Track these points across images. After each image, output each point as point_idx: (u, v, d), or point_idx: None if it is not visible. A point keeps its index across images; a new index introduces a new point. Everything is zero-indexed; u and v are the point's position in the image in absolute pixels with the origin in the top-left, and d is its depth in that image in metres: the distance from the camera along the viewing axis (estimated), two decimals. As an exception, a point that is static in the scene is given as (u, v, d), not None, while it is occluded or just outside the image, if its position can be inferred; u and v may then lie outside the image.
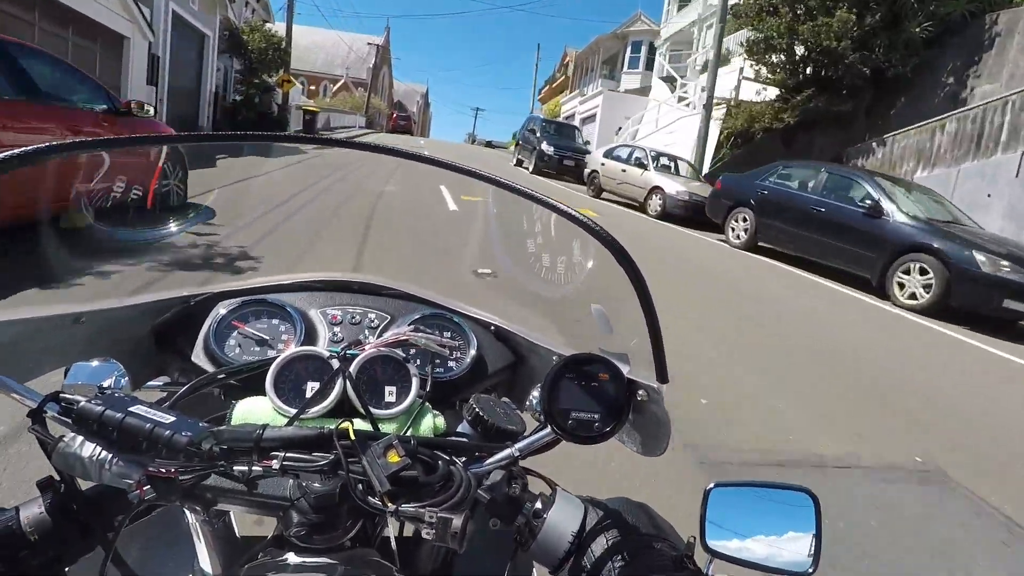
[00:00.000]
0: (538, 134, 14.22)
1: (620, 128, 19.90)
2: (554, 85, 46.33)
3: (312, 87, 56.22)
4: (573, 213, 0.60)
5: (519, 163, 14.80)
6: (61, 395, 0.54)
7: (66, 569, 0.54)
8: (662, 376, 0.63)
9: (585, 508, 0.58)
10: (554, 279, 0.78)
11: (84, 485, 0.54)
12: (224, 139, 0.73)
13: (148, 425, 0.51)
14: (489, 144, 59.49)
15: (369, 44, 42.74)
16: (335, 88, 52.71)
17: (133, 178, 0.98)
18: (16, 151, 0.52)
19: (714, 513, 0.58)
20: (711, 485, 0.58)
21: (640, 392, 0.63)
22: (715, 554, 0.56)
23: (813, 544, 0.58)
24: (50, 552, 0.53)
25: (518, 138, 14.92)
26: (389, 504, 0.50)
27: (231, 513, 0.64)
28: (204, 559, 0.66)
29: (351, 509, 0.52)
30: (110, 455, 0.52)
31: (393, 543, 0.60)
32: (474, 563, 0.70)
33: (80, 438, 0.52)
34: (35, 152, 0.53)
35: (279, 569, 0.55)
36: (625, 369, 0.64)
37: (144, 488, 0.50)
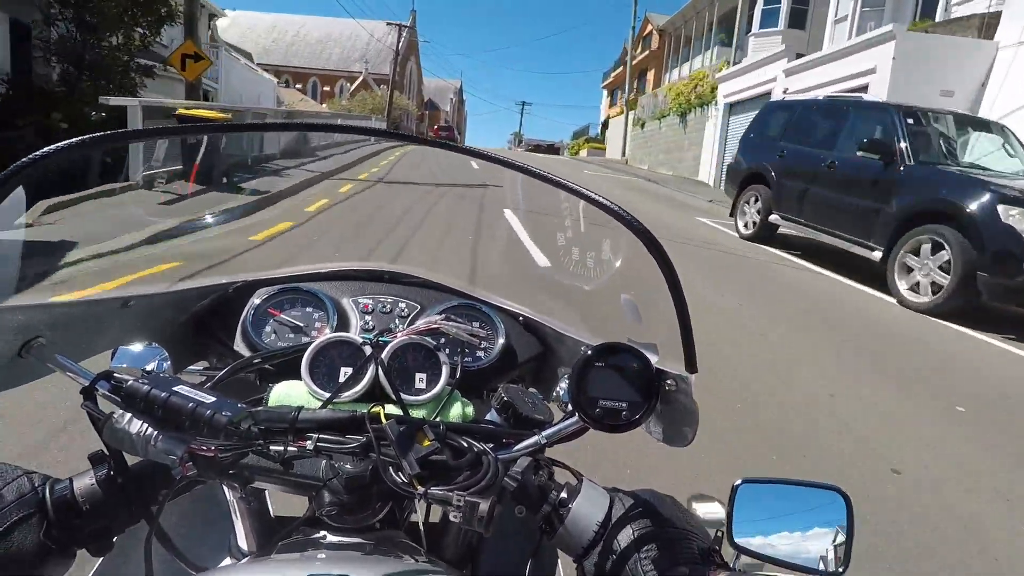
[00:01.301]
0: (900, 145, 5.87)
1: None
2: (622, 71, 42.81)
3: (326, 87, 54.17)
4: (603, 201, 0.62)
5: (760, 222, 8.37)
6: (110, 374, 0.60)
7: (114, 538, 0.60)
8: (691, 366, 0.65)
9: (611, 499, 0.61)
10: (584, 272, 0.81)
11: (131, 460, 0.60)
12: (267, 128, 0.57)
13: (191, 404, 0.56)
14: (551, 148, 56.68)
15: (389, 24, 36.07)
16: (353, 87, 50.08)
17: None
18: (50, 148, 0.58)
19: (742, 509, 0.61)
20: (739, 481, 0.61)
21: (668, 381, 0.66)
22: (742, 550, 0.59)
23: (844, 544, 0.60)
24: (100, 522, 0.59)
25: (743, 163, 8.79)
26: (418, 487, 0.55)
27: (266, 493, 0.69)
28: (241, 535, 0.72)
29: (381, 491, 0.57)
30: (156, 432, 0.57)
31: (421, 527, 0.64)
32: (499, 549, 0.74)
33: (128, 415, 0.58)
34: (64, 147, 0.59)
35: (311, 547, 0.60)
36: (654, 358, 0.67)
37: (187, 464, 0.56)
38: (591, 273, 0.82)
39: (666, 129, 19.78)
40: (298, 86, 51.04)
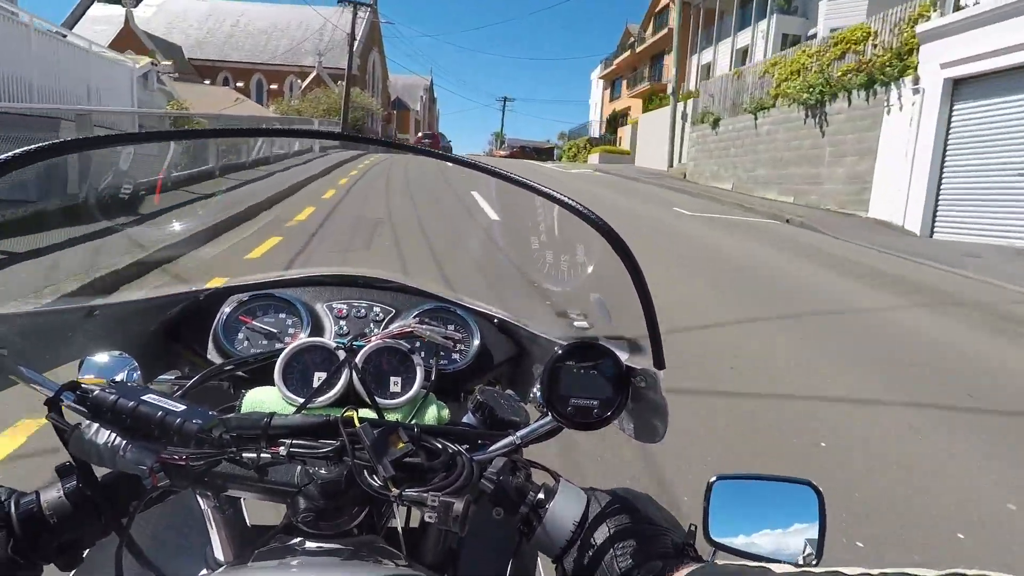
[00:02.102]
0: None
1: None
2: (629, 56, 38.53)
3: (273, 85, 48.95)
4: (570, 202, 0.66)
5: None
6: (76, 384, 0.62)
7: (84, 552, 0.61)
8: (659, 362, 0.68)
9: (588, 498, 0.64)
10: (558, 275, 0.84)
11: (101, 472, 0.61)
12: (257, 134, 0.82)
13: (160, 413, 0.58)
14: (540, 152, 52.41)
15: (341, 1, 27.04)
16: (304, 84, 45.13)
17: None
18: (21, 150, 0.58)
19: (717, 505, 0.63)
20: (713, 478, 0.63)
21: (638, 378, 0.69)
22: (718, 546, 0.61)
23: (817, 537, 0.63)
24: (69, 535, 0.60)
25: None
26: (393, 489, 0.57)
27: (242, 502, 0.72)
28: (217, 545, 0.73)
29: (357, 496, 0.59)
30: (124, 442, 0.58)
31: (400, 531, 0.67)
32: (479, 553, 0.77)
33: (95, 426, 0.59)
34: (40, 150, 0.59)
35: (289, 554, 0.61)
36: (623, 356, 0.70)
37: (157, 474, 0.57)
38: (565, 276, 0.82)
39: (772, 128, 14.52)
40: (239, 84, 46.09)
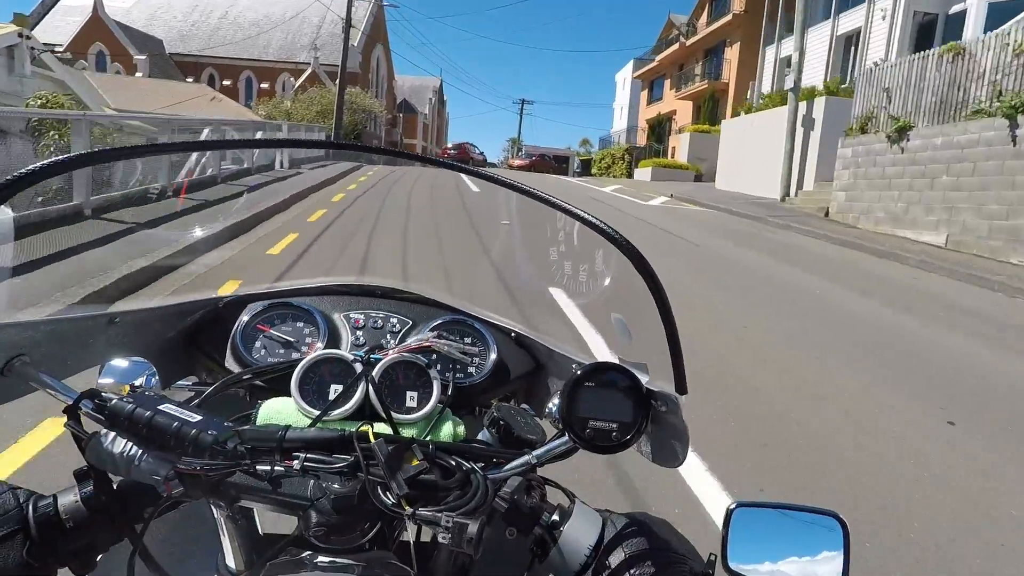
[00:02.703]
0: None
1: None
2: (677, 50, 33.12)
3: (264, 83, 44.90)
4: (595, 221, 0.68)
5: None
6: (95, 392, 0.65)
7: (98, 557, 0.64)
8: (681, 387, 0.69)
9: (603, 521, 0.66)
10: (576, 288, 0.86)
11: (116, 479, 0.64)
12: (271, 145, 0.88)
13: (176, 423, 0.61)
14: (557, 162, 47.39)
15: None
16: (299, 82, 41.04)
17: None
18: (52, 160, 0.61)
19: (737, 533, 0.63)
20: (733, 505, 0.63)
21: (658, 402, 0.70)
22: (737, 575, 0.61)
23: (841, 568, 0.62)
24: (83, 540, 0.62)
25: None
26: (406, 507, 0.59)
27: (255, 511, 0.75)
28: (228, 554, 0.75)
29: (370, 511, 0.62)
30: (140, 451, 0.61)
31: (412, 547, 0.68)
32: (491, 572, 0.77)
33: (112, 434, 0.62)
34: (69, 161, 0.62)
35: (300, 567, 0.64)
36: (644, 379, 0.72)
37: (171, 484, 0.60)
38: (583, 288, 0.84)
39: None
40: (226, 82, 42.47)
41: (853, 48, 17.99)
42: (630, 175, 28.86)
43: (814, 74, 19.29)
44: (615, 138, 57.13)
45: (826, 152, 13.87)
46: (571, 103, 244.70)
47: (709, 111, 26.29)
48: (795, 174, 14.98)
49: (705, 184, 21.52)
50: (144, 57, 35.78)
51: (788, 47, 20.83)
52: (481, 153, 42.40)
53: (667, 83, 33.60)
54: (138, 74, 33.07)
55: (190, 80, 35.36)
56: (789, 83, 15.84)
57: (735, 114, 25.26)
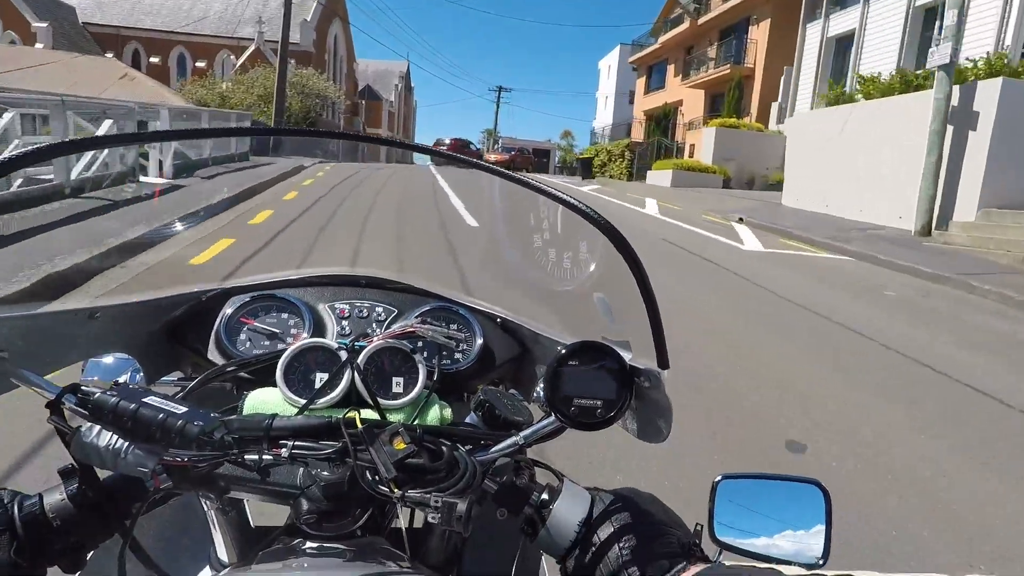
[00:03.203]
0: None
1: None
2: (687, 30, 28.13)
3: (200, 61, 38.43)
4: (574, 202, 0.70)
5: None
6: (77, 387, 0.67)
7: (88, 554, 0.66)
8: (663, 362, 0.72)
9: (592, 498, 0.69)
10: (561, 273, 0.88)
11: (103, 474, 0.66)
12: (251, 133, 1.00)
13: (161, 415, 0.62)
14: (536, 156, 43.90)
15: None
16: (240, 60, 35.29)
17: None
18: (28, 149, 0.62)
19: (722, 505, 0.66)
20: (718, 478, 0.66)
21: (642, 378, 0.74)
22: (724, 546, 0.64)
23: (824, 536, 0.65)
24: (72, 538, 0.64)
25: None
26: (395, 490, 0.62)
27: (245, 503, 0.79)
28: (220, 547, 0.77)
29: (360, 497, 0.65)
30: (126, 444, 0.63)
31: (404, 532, 0.71)
32: (483, 554, 0.80)
33: (97, 428, 0.64)
34: (45, 150, 0.64)
35: (292, 556, 0.65)
36: (627, 356, 0.75)
37: (159, 477, 0.62)
38: (568, 274, 0.87)
39: None
40: (153, 59, 37.68)
41: (932, 20, 14.53)
42: (632, 177, 26.41)
43: (883, 57, 14.56)
44: (600, 132, 52.09)
45: (1001, 163, 9.79)
46: (550, 92, 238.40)
47: (734, 101, 21.81)
48: (939, 194, 10.45)
49: (754, 197, 17.64)
50: (45, 25, 29.58)
51: (841, 23, 16.31)
52: (478, 149, 37.09)
53: (670, 69, 29.69)
54: (38, 45, 26.89)
55: (109, 55, 31.90)
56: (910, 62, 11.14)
57: (763, 106, 20.84)
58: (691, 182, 20.31)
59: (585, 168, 28.71)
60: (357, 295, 1.00)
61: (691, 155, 24.58)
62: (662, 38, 30.89)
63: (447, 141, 40.51)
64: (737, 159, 20.65)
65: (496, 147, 43.90)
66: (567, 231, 0.80)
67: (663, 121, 28.59)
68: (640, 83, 36.10)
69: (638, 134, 32.86)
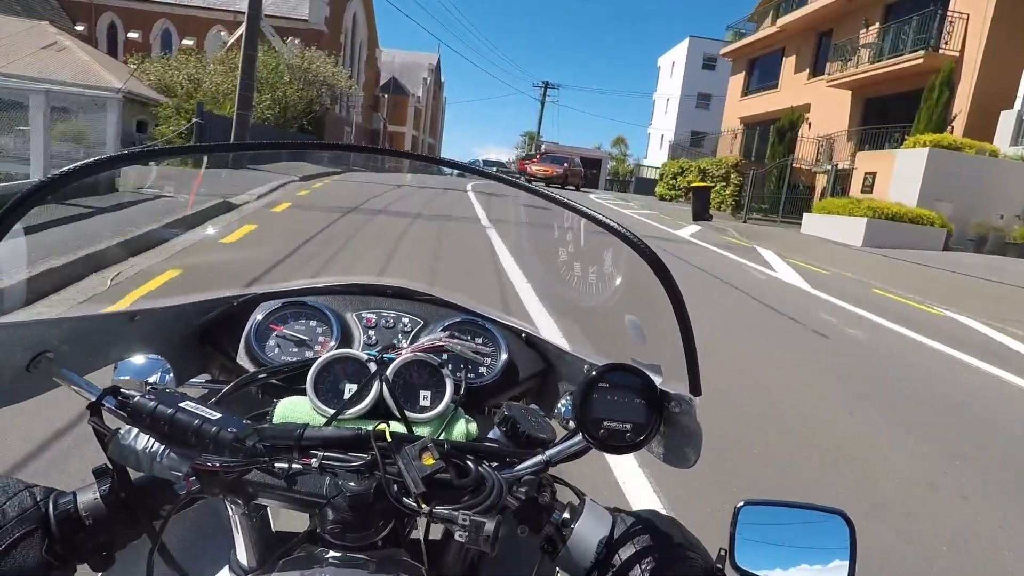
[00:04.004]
0: None
1: None
2: (809, 14, 22.08)
3: (188, 39, 31.03)
4: (609, 222, 0.73)
5: None
6: (116, 389, 0.72)
7: (116, 553, 0.70)
8: (695, 388, 0.74)
9: (613, 519, 0.72)
10: (586, 288, 0.88)
11: (134, 476, 0.71)
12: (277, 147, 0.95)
13: (197, 421, 0.66)
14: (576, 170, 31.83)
15: None
16: (234, 38, 28.45)
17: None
18: (82, 163, 0.65)
19: (744, 531, 0.66)
20: (741, 503, 0.67)
21: (672, 403, 0.76)
22: (745, 574, 0.65)
23: (847, 568, 0.64)
24: (102, 536, 0.68)
25: None
26: (423, 505, 0.65)
27: (268, 509, 0.84)
28: (242, 551, 0.81)
29: (384, 509, 0.69)
30: (162, 447, 0.67)
31: (423, 544, 0.75)
32: (501, 569, 0.83)
33: (135, 431, 0.68)
34: (99, 163, 0.68)
35: (313, 563, 0.69)
36: (658, 380, 0.78)
37: (191, 480, 0.66)
38: (593, 289, 0.88)
39: None
40: (132, 35, 30.45)
41: None
42: (739, 211, 20.89)
43: None
44: (660, 141, 44.23)
45: None
46: (598, 91, 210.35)
47: (938, 108, 14.28)
48: None
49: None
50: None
51: None
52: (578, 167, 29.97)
53: (789, 63, 22.87)
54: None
55: (80, 28, 27.26)
56: None
57: (981, 116, 14.74)
58: (895, 239, 14.13)
59: (702, 201, 18.59)
60: (384, 305, 1.05)
61: (866, 189, 16.96)
62: (780, 21, 25.34)
63: (541, 153, 35.16)
64: (954, 200, 15.10)
65: (542, 155, 37.04)
66: (592, 245, 0.85)
67: (787, 133, 21.50)
68: (735, 82, 31.47)
69: (726, 148, 27.95)
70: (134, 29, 31.29)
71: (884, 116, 19.13)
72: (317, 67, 27.67)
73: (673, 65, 49.95)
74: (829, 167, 19.00)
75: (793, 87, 24.50)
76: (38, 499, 0.63)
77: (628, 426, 0.73)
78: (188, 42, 30.94)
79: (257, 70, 23.75)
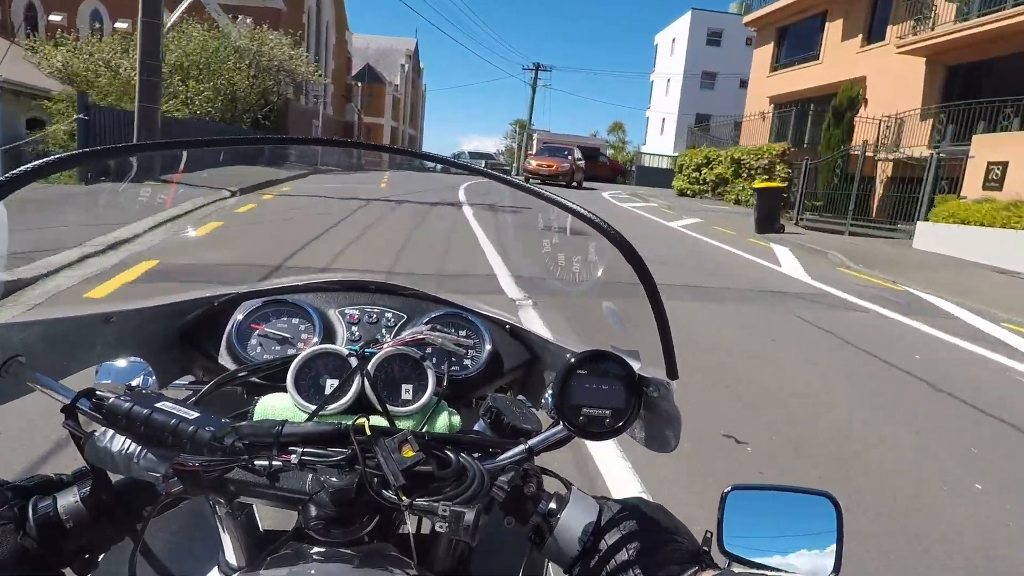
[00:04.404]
0: None
1: None
2: None
3: (122, 21, 25.61)
4: (585, 212, 0.73)
5: None
6: (91, 392, 0.72)
7: (99, 557, 0.71)
8: (672, 372, 0.74)
9: (600, 507, 0.74)
10: (569, 277, 0.91)
11: (115, 478, 0.71)
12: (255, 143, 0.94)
13: (173, 420, 0.66)
14: (587, 157, 30.00)
15: None
16: (175, 15, 20.60)
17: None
18: (40, 162, 0.64)
19: (732, 516, 0.67)
20: (728, 488, 0.68)
21: (650, 388, 0.77)
22: (733, 557, 0.67)
23: (834, 549, 0.66)
24: (85, 540, 0.68)
25: None
26: (403, 498, 0.64)
27: (255, 507, 0.86)
28: (229, 550, 0.82)
29: (368, 504, 0.69)
30: (138, 449, 0.68)
31: (411, 539, 0.76)
32: (489, 561, 0.83)
33: (110, 433, 0.68)
34: (58, 161, 0.66)
35: (301, 560, 0.69)
36: (636, 365, 0.79)
37: (170, 481, 0.66)
38: (576, 278, 0.91)
39: None
40: (55, 17, 25.18)
41: None
42: (782, 213, 15.72)
43: None
44: (661, 126, 40.30)
45: None
46: (588, 71, 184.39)
47: None
48: None
49: None
50: None
51: None
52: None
53: (833, 28, 18.74)
54: None
55: None
56: None
57: None
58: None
59: (768, 208, 13.97)
60: (367, 300, 1.06)
61: (993, 184, 12.35)
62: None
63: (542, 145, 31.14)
64: None
65: (541, 147, 31.41)
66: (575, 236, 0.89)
67: (845, 113, 16.79)
68: (761, 56, 27.29)
69: (754, 133, 24.68)
70: (56, 11, 27.77)
71: (973, 89, 15.07)
72: (272, 50, 23.97)
73: (673, 42, 46.71)
74: (899, 153, 15.26)
75: (840, 57, 20.30)
76: (20, 502, 0.65)
77: (607, 412, 0.74)
78: (122, 25, 27.59)
79: (194, 54, 20.04)
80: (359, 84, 44.45)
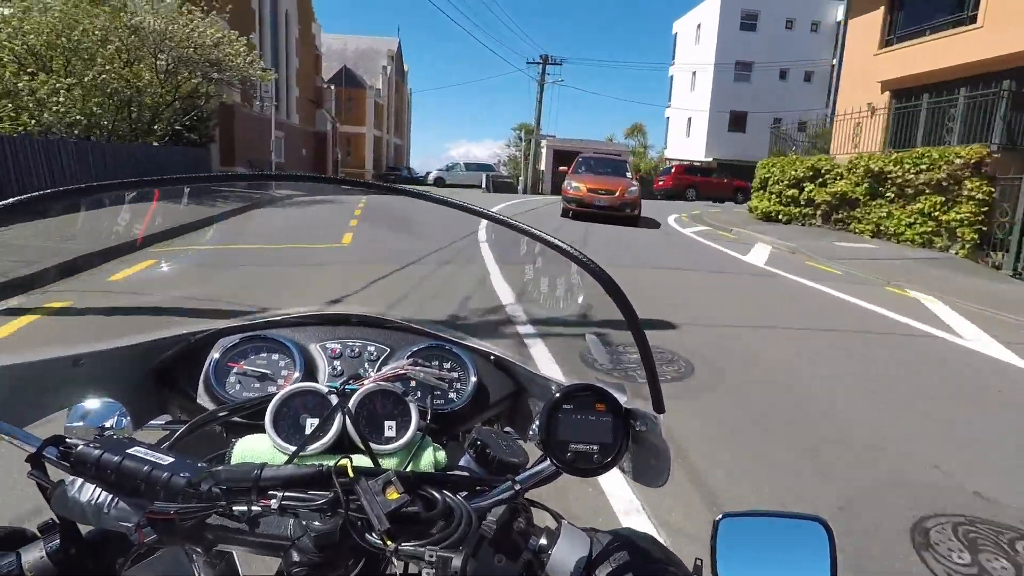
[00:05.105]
0: None
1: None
2: None
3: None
4: (563, 246, 0.74)
5: None
6: (59, 439, 0.73)
7: None
8: (658, 406, 0.76)
9: (591, 540, 0.77)
10: (552, 304, 0.91)
11: (85, 529, 0.74)
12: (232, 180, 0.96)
13: (146, 467, 0.67)
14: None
15: None
16: None
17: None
18: (14, 199, 0.81)
19: (724, 544, 0.68)
20: (720, 516, 0.70)
21: (637, 421, 0.80)
22: None
23: (828, 574, 0.70)
24: None
25: None
26: (388, 542, 0.66)
27: (234, 555, 0.89)
28: None
29: (352, 548, 0.72)
30: (109, 498, 0.68)
31: None
32: None
33: (79, 482, 0.69)
34: (33, 199, 0.80)
35: None
36: (622, 399, 0.81)
37: (144, 530, 0.66)
38: (559, 304, 0.92)
39: None
40: None
41: None
42: (975, 245, 9.90)
43: None
44: (687, 126, 34.56)
45: None
46: (599, 63, 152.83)
47: None
48: None
49: None
50: None
51: None
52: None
53: None
54: None
55: None
56: None
57: None
58: None
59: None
60: (349, 334, 1.06)
61: None
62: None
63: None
64: None
65: (575, 164, 19.30)
66: (557, 263, 0.92)
67: None
68: (863, 27, 17.37)
69: (851, 136, 15.85)
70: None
71: None
72: (189, 33, 16.82)
73: (699, 28, 39.75)
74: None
75: (1018, 14, 12.57)
76: None
77: (595, 447, 0.76)
78: (7, 11, 21.35)
79: (47, 31, 13.06)
80: (332, 88, 38.84)
